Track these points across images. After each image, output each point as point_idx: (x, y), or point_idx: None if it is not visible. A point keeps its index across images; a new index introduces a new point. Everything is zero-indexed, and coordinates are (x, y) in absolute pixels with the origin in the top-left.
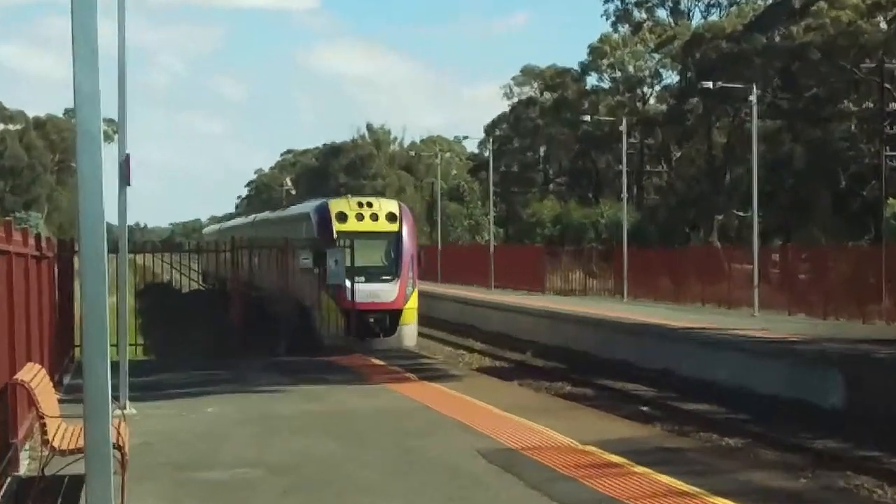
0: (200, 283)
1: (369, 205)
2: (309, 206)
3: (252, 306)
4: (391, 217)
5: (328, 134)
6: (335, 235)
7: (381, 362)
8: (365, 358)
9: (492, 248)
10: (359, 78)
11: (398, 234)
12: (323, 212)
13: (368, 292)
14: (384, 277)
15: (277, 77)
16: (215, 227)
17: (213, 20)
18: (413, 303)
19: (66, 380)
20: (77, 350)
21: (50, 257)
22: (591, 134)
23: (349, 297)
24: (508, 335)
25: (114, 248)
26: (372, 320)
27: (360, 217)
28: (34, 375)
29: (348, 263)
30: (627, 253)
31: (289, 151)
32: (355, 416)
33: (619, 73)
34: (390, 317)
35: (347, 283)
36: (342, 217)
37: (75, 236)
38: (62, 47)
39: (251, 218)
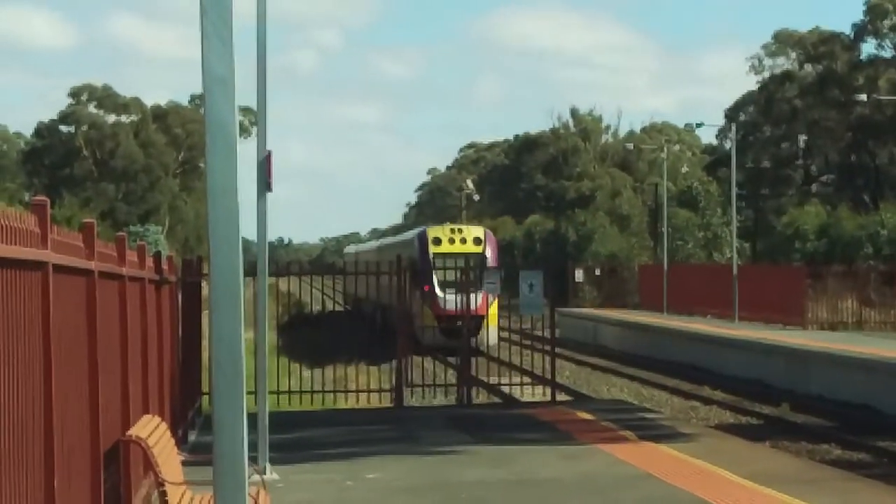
0: (344, 305)
1: (459, 231)
2: (413, 232)
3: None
4: (476, 241)
5: (520, 123)
6: (431, 256)
7: (591, 417)
8: (569, 411)
9: (735, 269)
10: (556, 51)
11: (482, 254)
12: (422, 237)
13: (457, 301)
14: (471, 289)
15: (450, 53)
16: (353, 248)
17: None
18: (494, 310)
19: (192, 436)
20: (205, 399)
21: (172, 282)
22: (867, 118)
23: (442, 306)
24: (757, 381)
25: (251, 271)
26: (459, 324)
27: (451, 241)
28: (152, 431)
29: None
30: None
31: (470, 146)
32: (556, 486)
33: None
34: (474, 321)
35: (440, 293)
36: (437, 241)
37: (204, 255)
38: (188, 20)
39: (378, 242)
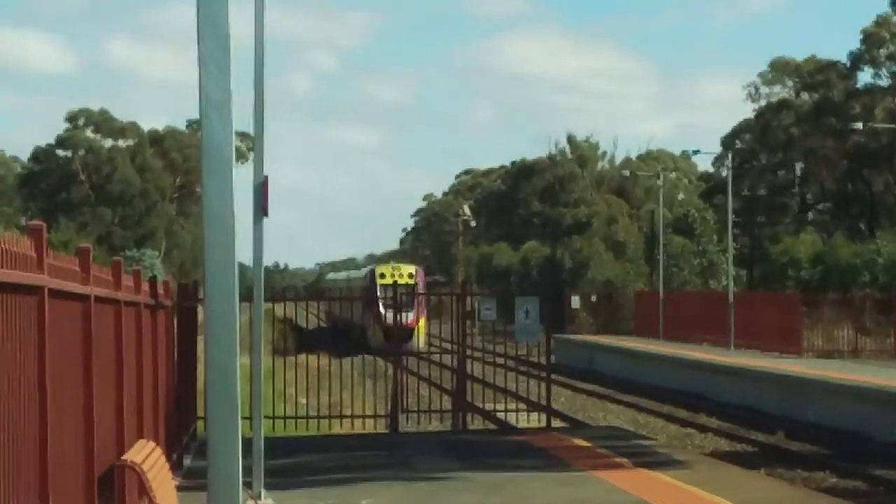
0: (326, 322)
1: (398, 268)
2: (366, 269)
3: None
4: (410, 275)
5: (517, 149)
6: (378, 286)
7: (586, 443)
8: (564, 438)
9: (731, 296)
10: (554, 77)
11: (414, 285)
12: (372, 273)
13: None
14: (405, 309)
15: (447, 77)
16: (332, 275)
17: (363, 5)
18: (422, 324)
19: (187, 461)
20: (201, 424)
21: (168, 306)
22: (863, 146)
23: (386, 321)
24: (752, 408)
25: (247, 296)
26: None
27: (392, 276)
28: (147, 456)
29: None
30: None
31: (467, 172)
32: None
33: None
34: (409, 332)
35: (384, 311)
36: (382, 276)
37: (200, 280)
38: (184, 43)
39: (348, 273)
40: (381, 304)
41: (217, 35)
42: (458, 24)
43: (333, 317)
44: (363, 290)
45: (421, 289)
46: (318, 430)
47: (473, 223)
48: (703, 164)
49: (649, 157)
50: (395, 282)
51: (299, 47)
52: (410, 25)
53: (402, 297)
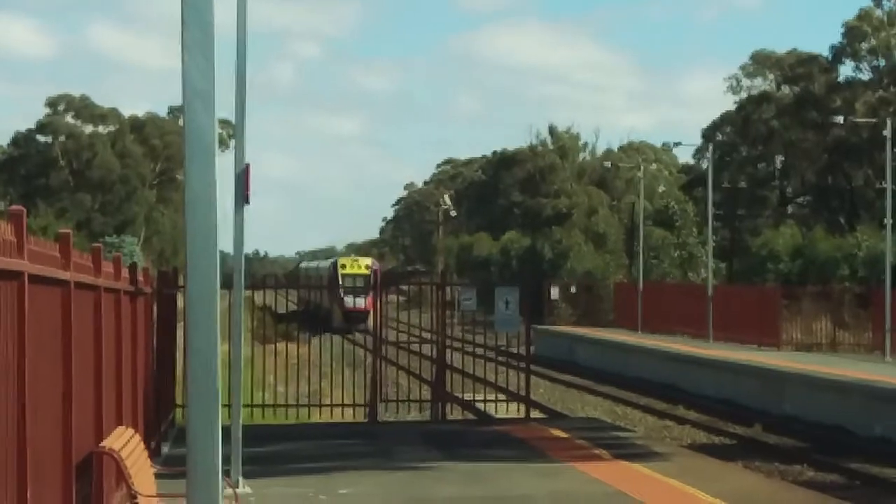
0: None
1: (356, 260)
2: (329, 261)
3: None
4: (367, 266)
5: (498, 140)
6: (340, 276)
7: (565, 434)
8: (543, 429)
9: (710, 289)
10: (536, 68)
11: (370, 275)
12: (335, 264)
13: (354, 302)
14: (361, 295)
15: (430, 67)
16: (304, 264)
17: None
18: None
19: (166, 448)
20: (179, 411)
21: (148, 294)
22: (844, 140)
23: (345, 305)
24: (730, 401)
25: (227, 283)
26: (354, 316)
27: (352, 266)
28: (125, 443)
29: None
30: (892, 297)
31: (448, 162)
32: None
33: (882, 61)
34: (364, 314)
35: (344, 297)
36: (343, 266)
37: (180, 267)
38: (167, 30)
39: (316, 262)
40: (341, 291)
41: (201, 22)
42: (444, 14)
43: (305, 301)
44: (328, 278)
45: (375, 278)
46: (297, 419)
47: (454, 213)
48: (684, 156)
49: (630, 149)
50: (375, 272)
51: (284, 37)
52: (395, 15)
53: (356, 285)
